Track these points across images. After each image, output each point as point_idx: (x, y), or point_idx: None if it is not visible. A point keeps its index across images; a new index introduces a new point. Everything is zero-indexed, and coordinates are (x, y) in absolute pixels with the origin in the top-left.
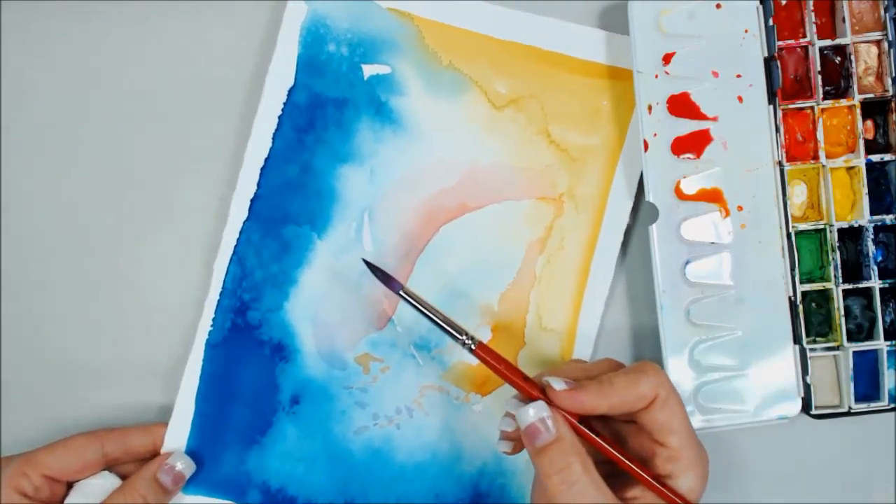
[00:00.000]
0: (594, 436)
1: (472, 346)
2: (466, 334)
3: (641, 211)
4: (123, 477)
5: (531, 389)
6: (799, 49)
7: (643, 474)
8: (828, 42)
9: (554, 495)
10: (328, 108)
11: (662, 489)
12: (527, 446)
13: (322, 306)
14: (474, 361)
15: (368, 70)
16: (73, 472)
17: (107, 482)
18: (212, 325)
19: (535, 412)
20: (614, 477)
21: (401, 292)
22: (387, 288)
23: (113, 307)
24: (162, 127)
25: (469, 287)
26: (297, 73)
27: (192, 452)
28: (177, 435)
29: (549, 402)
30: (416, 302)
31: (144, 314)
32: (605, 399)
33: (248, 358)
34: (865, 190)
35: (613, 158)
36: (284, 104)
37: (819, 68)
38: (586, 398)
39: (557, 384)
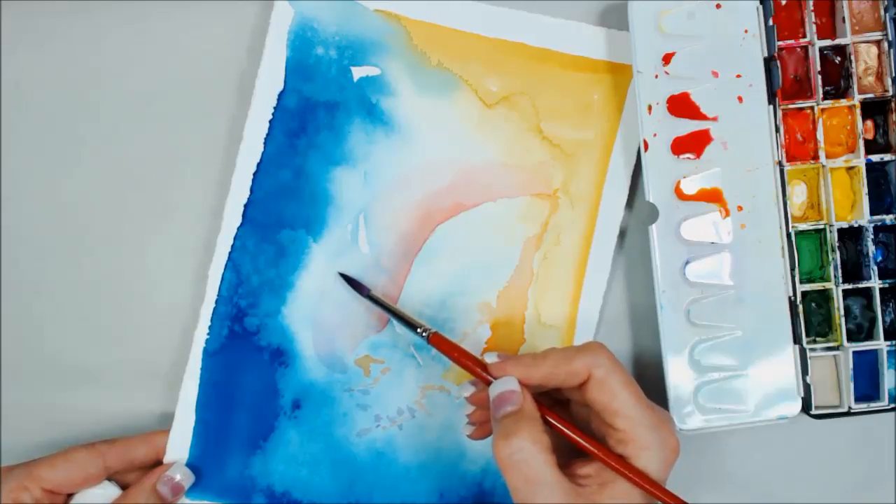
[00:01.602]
0: (555, 417)
1: (428, 337)
2: (422, 327)
3: (641, 211)
4: (124, 485)
5: (484, 374)
6: (799, 49)
7: (581, 441)
8: (828, 42)
9: (499, 461)
10: (319, 112)
11: (604, 457)
12: (492, 417)
13: (320, 310)
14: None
15: (358, 72)
16: (74, 486)
17: (107, 491)
18: (208, 333)
19: (502, 385)
20: (578, 455)
21: (370, 294)
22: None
23: (113, 307)
24: (163, 127)
25: (467, 285)
26: (287, 77)
27: (195, 460)
28: (179, 444)
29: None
30: (382, 304)
31: (145, 315)
32: (536, 369)
33: (248, 364)
34: (865, 190)
35: (607, 152)
36: (275, 108)
37: (819, 68)
38: (514, 368)
39: (490, 357)
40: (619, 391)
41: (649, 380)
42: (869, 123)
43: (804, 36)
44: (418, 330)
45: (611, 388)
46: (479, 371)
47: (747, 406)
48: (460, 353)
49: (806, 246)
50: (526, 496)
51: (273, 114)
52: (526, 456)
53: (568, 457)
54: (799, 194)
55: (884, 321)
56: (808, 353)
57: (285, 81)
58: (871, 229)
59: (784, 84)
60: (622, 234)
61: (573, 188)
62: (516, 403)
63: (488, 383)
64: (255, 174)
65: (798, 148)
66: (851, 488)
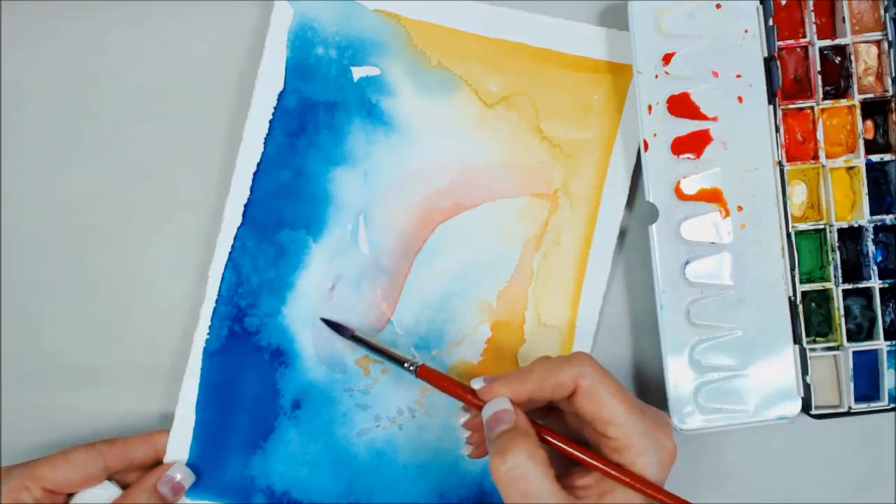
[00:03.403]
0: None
1: (415, 371)
2: (408, 361)
3: (641, 211)
4: (124, 485)
5: (474, 399)
6: (799, 49)
7: (578, 454)
8: (828, 42)
9: (496, 478)
10: (319, 112)
11: (603, 466)
12: (486, 438)
13: (320, 310)
14: (475, 361)
15: (358, 72)
16: (75, 485)
17: (107, 492)
18: (208, 334)
19: (494, 406)
20: (575, 466)
21: (354, 335)
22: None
23: (113, 307)
24: (163, 127)
25: (467, 285)
26: (287, 77)
27: (195, 460)
28: (179, 444)
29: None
30: (366, 343)
31: (145, 315)
32: (522, 386)
33: (248, 364)
34: (865, 190)
35: (607, 152)
36: (275, 109)
37: (819, 68)
38: (502, 388)
39: (476, 383)
40: (607, 400)
41: (649, 380)
42: (869, 123)
43: (804, 36)
44: (405, 364)
45: (599, 398)
46: (469, 398)
47: (747, 406)
48: (449, 382)
49: (806, 246)
50: None
51: (273, 114)
52: (523, 471)
53: (565, 467)
54: (799, 194)
55: (884, 321)
56: (808, 353)
57: (285, 81)
58: (871, 229)
59: (784, 84)
60: (622, 234)
61: (573, 188)
62: (509, 422)
63: (479, 408)
64: (255, 174)
65: (798, 148)
66: (851, 488)
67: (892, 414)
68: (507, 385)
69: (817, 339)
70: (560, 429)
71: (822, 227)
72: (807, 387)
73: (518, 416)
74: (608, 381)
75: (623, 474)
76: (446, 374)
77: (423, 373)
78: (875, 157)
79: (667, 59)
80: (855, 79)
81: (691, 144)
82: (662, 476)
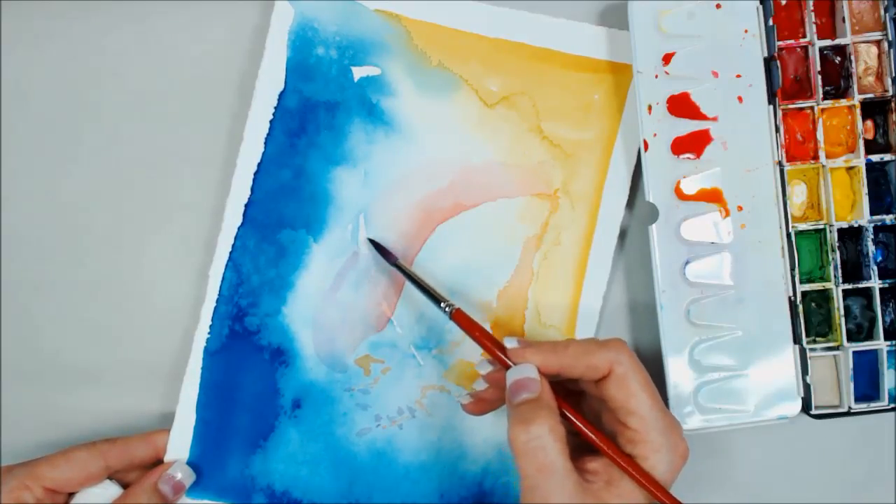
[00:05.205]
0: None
1: (450, 313)
2: (445, 302)
3: (641, 211)
4: (124, 485)
5: (502, 357)
6: (799, 49)
7: (593, 437)
8: (828, 42)
9: (515, 447)
10: (319, 112)
11: (615, 456)
12: (508, 402)
13: (320, 309)
14: (476, 360)
15: (358, 72)
16: (75, 484)
17: (108, 491)
18: (209, 333)
19: (521, 372)
20: (585, 448)
21: (397, 263)
22: (388, 263)
23: (113, 307)
24: (163, 127)
25: (467, 285)
26: (287, 77)
27: (195, 459)
28: (179, 443)
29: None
30: (408, 274)
31: (145, 315)
32: (555, 359)
33: (248, 364)
34: (865, 190)
35: (607, 152)
36: (275, 109)
37: (819, 68)
38: (533, 356)
39: (510, 343)
40: (637, 391)
41: None
42: (869, 123)
43: (804, 36)
44: (441, 304)
45: (630, 387)
46: (498, 354)
47: (747, 406)
48: (481, 332)
49: (806, 246)
50: (536, 484)
51: (273, 114)
52: (543, 444)
53: (575, 451)
54: (799, 194)
55: (884, 321)
56: (808, 353)
57: (286, 81)
58: (871, 229)
59: (784, 84)
60: (622, 234)
61: (573, 188)
62: (534, 391)
63: (507, 367)
64: (255, 174)
65: (798, 148)
66: (851, 488)
67: (892, 414)
68: (540, 354)
69: (817, 339)
70: (579, 412)
71: (822, 227)
72: (807, 387)
73: (543, 387)
74: (641, 372)
75: (634, 469)
76: (479, 324)
77: (458, 317)
78: (875, 157)
79: (667, 59)
80: (855, 79)
81: (691, 144)
82: (671, 477)
